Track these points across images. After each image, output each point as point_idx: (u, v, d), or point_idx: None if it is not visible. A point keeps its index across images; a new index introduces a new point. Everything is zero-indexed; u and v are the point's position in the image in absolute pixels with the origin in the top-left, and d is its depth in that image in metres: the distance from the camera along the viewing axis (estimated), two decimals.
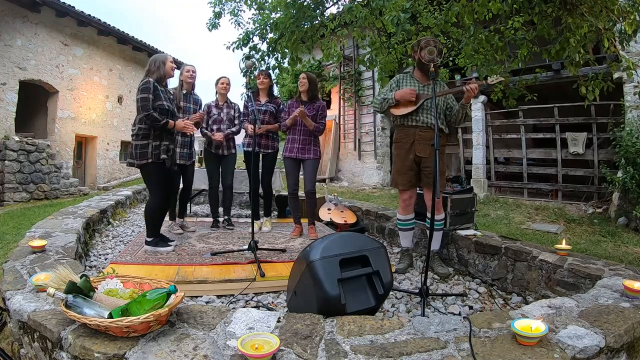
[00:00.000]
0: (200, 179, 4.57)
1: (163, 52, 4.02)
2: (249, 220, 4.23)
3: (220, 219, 4.24)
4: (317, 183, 3.93)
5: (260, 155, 3.90)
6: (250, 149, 3.83)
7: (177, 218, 3.95)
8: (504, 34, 3.49)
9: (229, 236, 3.74)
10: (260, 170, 3.91)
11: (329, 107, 9.72)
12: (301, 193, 3.93)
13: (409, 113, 2.78)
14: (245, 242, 3.24)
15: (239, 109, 4.07)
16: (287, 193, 3.99)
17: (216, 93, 4.08)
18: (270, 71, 4.05)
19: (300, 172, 3.75)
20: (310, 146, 3.64)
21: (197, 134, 4.02)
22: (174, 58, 3.18)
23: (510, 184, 6.90)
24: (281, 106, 3.93)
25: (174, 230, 3.76)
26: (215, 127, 3.98)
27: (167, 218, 3.58)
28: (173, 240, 3.25)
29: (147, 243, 3.07)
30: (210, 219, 4.28)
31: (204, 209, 6.05)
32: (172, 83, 3.65)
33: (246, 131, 3.87)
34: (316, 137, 3.69)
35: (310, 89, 3.65)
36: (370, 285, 1.72)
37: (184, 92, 3.83)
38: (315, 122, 3.60)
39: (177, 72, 3.75)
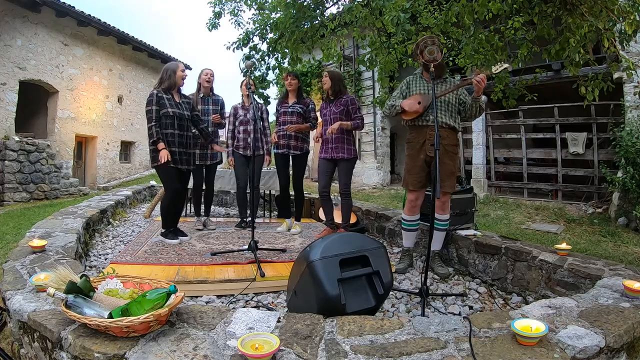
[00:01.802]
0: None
1: (175, 60, 4.12)
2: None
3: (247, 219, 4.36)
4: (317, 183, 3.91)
5: (290, 156, 3.89)
6: (280, 150, 3.85)
7: (201, 216, 4.18)
8: (504, 34, 3.49)
9: (229, 236, 3.74)
10: (290, 172, 3.94)
11: None
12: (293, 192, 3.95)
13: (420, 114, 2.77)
14: (245, 242, 3.24)
15: (305, 106, 3.94)
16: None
17: (242, 95, 4.16)
18: (279, 72, 4.07)
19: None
20: (343, 145, 3.51)
21: (222, 132, 4.15)
22: (185, 64, 3.29)
23: (510, 184, 6.90)
24: (310, 106, 3.87)
25: (196, 226, 3.89)
26: (241, 128, 4.06)
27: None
28: (186, 235, 3.49)
29: (161, 234, 3.36)
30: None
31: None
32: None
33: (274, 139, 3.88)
34: (350, 134, 3.57)
35: (334, 86, 3.54)
36: (370, 285, 1.72)
37: (202, 95, 3.94)
38: (349, 118, 3.49)
39: (193, 75, 3.86)
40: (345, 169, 3.56)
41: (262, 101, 4.39)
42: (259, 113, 4.03)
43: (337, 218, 4.45)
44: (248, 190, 4.20)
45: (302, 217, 4.27)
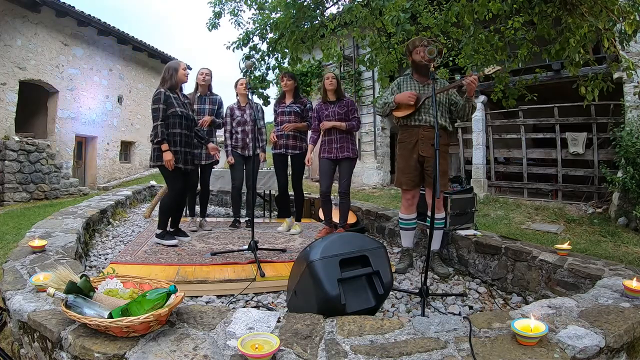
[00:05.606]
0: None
1: (176, 59, 4.10)
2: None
3: (242, 220, 4.35)
4: (317, 183, 3.91)
5: (289, 156, 3.89)
6: (278, 150, 3.85)
7: (198, 217, 4.13)
8: (504, 34, 3.49)
9: (229, 236, 3.74)
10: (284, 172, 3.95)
11: None
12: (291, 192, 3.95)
13: (412, 113, 2.78)
14: (245, 242, 3.24)
15: (303, 105, 3.94)
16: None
17: (237, 95, 4.15)
18: (275, 72, 4.07)
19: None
20: (348, 144, 3.58)
21: (220, 132, 4.20)
22: (187, 65, 3.28)
23: (510, 184, 6.90)
24: (307, 105, 3.90)
25: (190, 227, 3.84)
26: (240, 129, 4.05)
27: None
28: (188, 236, 3.45)
29: (156, 235, 3.25)
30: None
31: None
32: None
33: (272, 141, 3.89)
34: (352, 134, 3.64)
35: (339, 89, 3.62)
36: (370, 285, 1.72)
37: (198, 94, 3.95)
38: (348, 119, 3.56)
39: (192, 76, 3.87)
40: (347, 169, 3.61)
41: (261, 101, 4.39)
42: (258, 113, 4.04)
43: (336, 218, 4.45)
44: (243, 191, 4.21)
45: (302, 217, 4.27)
